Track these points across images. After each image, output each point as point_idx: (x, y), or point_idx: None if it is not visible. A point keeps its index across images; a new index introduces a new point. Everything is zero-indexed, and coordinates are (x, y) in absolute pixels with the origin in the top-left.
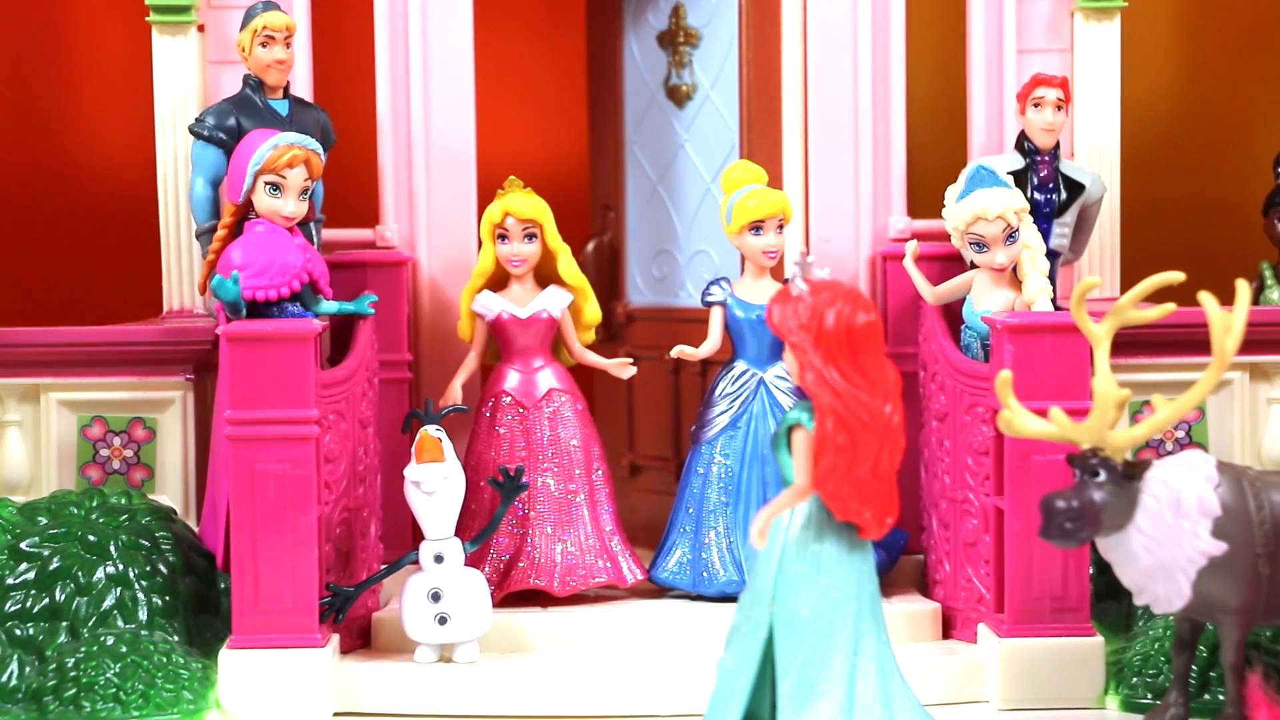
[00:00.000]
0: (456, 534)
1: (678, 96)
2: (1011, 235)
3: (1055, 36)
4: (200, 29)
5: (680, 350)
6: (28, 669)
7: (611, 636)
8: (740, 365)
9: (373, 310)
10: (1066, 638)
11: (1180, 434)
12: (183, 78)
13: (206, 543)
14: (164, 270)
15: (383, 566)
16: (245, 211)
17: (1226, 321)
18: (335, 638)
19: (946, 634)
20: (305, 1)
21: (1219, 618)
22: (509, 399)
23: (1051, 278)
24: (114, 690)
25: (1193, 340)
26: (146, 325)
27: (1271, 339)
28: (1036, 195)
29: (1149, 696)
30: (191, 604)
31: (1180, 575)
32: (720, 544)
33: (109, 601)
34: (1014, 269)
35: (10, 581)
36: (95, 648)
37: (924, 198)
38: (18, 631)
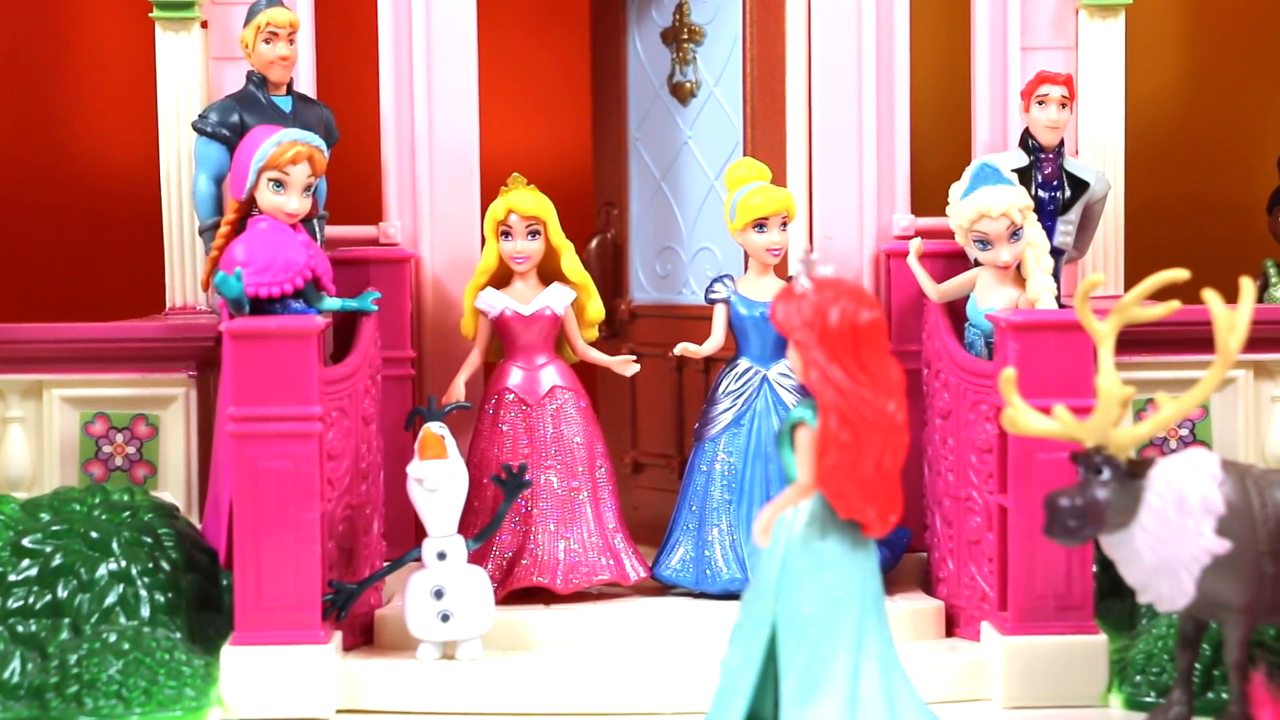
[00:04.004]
0: (459, 531)
1: (681, 93)
2: (1015, 233)
3: (1060, 34)
4: (203, 25)
5: (683, 348)
6: (30, 666)
7: (614, 634)
8: (744, 363)
9: (376, 307)
10: (1070, 636)
11: (1184, 432)
12: (186, 74)
13: (209, 539)
14: (167, 267)
15: (385, 564)
16: (248, 208)
17: (1231, 319)
18: (338, 635)
19: (950, 632)
20: None
21: (1223, 616)
22: (512, 396)
23: (1055, 275)
24: (116, 687)
25: (1197, 338)
26: (149, 322)
27: (1275, 337)
28: (1041, 193)
29: (1152, 695)
30: (194, 601)
31: (1184, 573)
32: (723, 541)
33: (111, 598)
34: (1018, 267)
35: (13, 578)
36: (97, 644)
37: (928, 195)
38: (20, 628)
